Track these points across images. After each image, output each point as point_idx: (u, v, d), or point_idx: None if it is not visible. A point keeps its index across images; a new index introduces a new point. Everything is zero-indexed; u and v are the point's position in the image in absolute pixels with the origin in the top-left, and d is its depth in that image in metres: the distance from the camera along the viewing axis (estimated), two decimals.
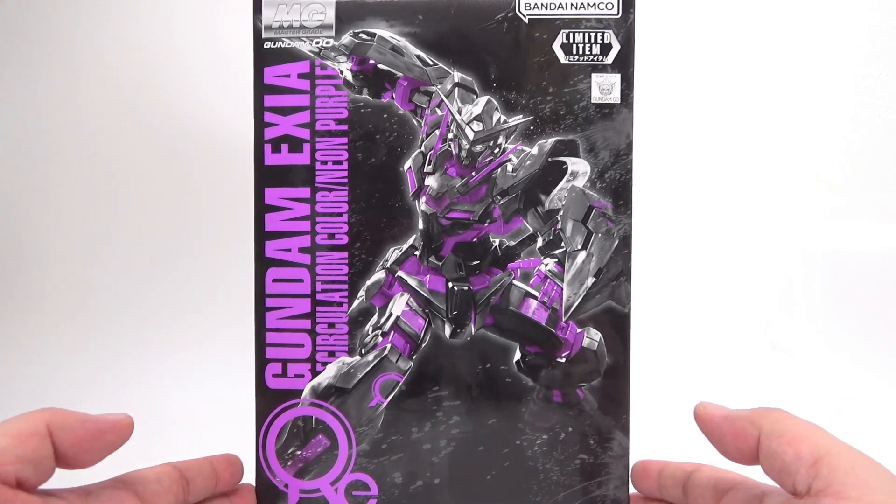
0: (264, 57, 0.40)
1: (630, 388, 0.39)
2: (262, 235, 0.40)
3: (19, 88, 0.87)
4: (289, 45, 0.40)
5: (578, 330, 0.39)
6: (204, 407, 0.71)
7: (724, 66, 0.80)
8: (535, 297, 0.40)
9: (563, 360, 0.40)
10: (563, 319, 0.39)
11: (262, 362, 0.40)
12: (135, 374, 0.78)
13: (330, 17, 0.40)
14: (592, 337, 0.39)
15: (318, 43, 0.40)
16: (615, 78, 0.39)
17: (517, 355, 0.40)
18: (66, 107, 0.86)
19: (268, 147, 0.40)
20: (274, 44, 0.40)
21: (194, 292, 0.82)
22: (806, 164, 0.80)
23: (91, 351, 0.81)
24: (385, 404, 0.40)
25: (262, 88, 0.40)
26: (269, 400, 0.40)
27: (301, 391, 0.40)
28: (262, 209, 0.40)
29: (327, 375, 0.40)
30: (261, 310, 0.40)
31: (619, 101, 0.39)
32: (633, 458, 0.39)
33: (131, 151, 0.86)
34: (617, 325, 0.39)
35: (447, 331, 0.40)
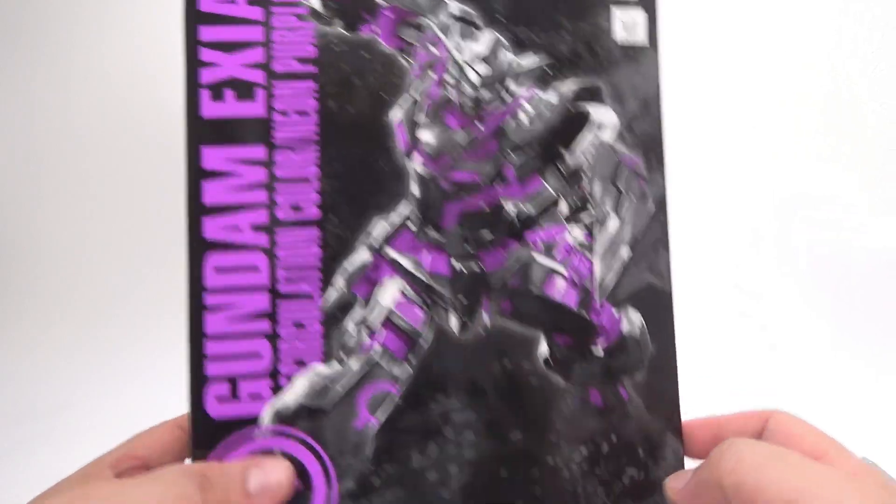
0: None
1: (679, 381, 0.32)
2: (197, 210, 0.30)
3: None
4: None
5: (616, 314, 0.32)
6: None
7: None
8: (562, 275, 0.32)
9: (601, 350, 0.32)
10: (598, 300, 0.32)
11: (199, 381, 0.29)
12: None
13: None
14: (633, 320, 0.32)
15: None
16: (640, 15, 0.33)
17: (542, 348, 0.32)
18: None
19: (205, 94, 0.30)
20: None
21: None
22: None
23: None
24: (376, 425, 0.30)
25: (194, 16, 0.31)
26: (211, 433, 0.29)
27: (258, 417, 0.29)
28: (197, 175, 0.30)
29: (296, 393, 0.30)
30: (197, 311, 0.30)
31: (647, 44, 0.33)
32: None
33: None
34: (658, 306, 0.32)
35: (454, 324, 0.31)
